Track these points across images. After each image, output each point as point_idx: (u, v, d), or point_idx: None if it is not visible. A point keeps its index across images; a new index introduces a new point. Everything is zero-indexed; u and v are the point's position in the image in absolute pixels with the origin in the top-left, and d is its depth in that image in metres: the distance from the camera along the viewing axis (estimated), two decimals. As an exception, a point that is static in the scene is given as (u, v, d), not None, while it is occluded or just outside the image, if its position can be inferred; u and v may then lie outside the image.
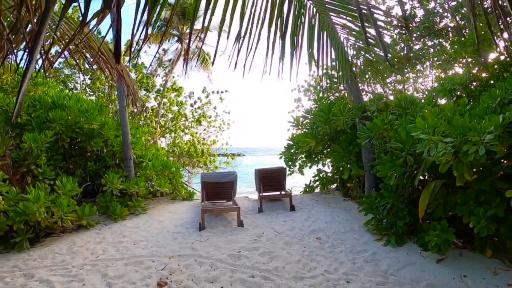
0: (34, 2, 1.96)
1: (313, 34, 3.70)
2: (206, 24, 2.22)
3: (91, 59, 4.69)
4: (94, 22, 1.69)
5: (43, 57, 3.11)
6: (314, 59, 3.91)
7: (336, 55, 4.64)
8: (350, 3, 3.59)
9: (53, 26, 3.55)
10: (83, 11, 1.39)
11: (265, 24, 2.99)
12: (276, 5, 2.97)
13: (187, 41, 21.86)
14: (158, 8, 1.87)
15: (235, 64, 2.84)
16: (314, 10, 3.56)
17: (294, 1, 3.25)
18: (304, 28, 3.55)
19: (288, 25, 3.13)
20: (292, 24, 3.38)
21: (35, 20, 1.93)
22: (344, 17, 4.00)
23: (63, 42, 4.00)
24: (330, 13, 3.87)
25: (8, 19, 3.23)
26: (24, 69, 1.25)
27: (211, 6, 2.19)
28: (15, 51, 3.12)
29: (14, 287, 4.41)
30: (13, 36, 3.03)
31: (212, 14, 2.18)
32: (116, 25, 1.43)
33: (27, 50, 2.96)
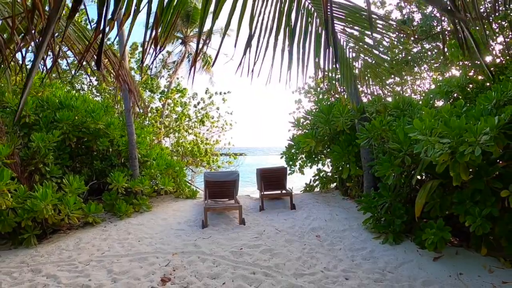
0: (46, 8, 1.97)
1: (320, 42, 3.71)
2: (212, 29, 2.22)
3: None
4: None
5: (52, 60, 3.13)
6: (320, 67, 3.92)
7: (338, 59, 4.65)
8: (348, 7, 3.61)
9: (60, 30, 3.57)
10: (96, 19, 1.40)
11: (273, 32, 3.00)
12: (284, 13, 2.97)
13: (191, 43, 21.94)
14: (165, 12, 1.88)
15: (251, 71, 2.85)
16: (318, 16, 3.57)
17: (302, 10, 3.26)
18: (311, 37, 3.56)
19: (295, 33, 3.14)
20: (300, 32, 3.39)
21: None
22: (344, 23, 4.00)
23: (69, 43, 4.03)
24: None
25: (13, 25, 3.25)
26: (28, 72, 1.26)
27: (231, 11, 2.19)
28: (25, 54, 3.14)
29: (22, 282, 4.43)
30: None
31: (216, 18, 2.19)
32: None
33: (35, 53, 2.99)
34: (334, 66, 4.40)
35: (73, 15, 1.37)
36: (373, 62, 5.14)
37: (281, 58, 3.22)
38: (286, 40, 3.16)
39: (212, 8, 2.18)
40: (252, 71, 2.93)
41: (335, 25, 4.05)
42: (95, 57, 4.80)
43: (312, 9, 3.41)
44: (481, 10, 7.29)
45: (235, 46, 2.59)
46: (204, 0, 2.09)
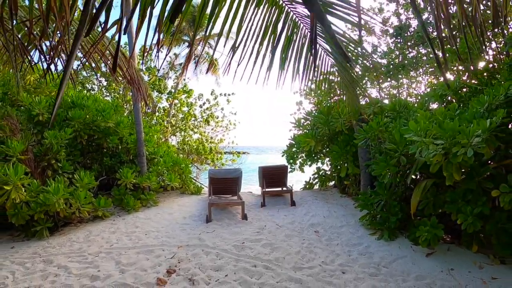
0: (61, 13, 1.99)
1: (302, 51, 3.79)
2: (210, 35, 2.28)
3: (107, 63, 4.73)
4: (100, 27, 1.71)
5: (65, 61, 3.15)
6: (298, 73, 3.99)
7: (336, 62, 4.68)
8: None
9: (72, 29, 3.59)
10: (103, 20, 1.42)
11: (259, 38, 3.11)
12: (272, 23, 3.05)
13: (195, 47, 21.95)
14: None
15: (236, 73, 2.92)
16: (306, 31, 3.64)
17: (289, 21, 3.33)
18: (294, 45, 3.65)
19: (280, 41, 3.23)
20: (284, 41, 3.47)
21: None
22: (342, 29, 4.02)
23: (82, 45, 4.05)
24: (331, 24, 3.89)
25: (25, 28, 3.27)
26: (61, 79, 1.28)
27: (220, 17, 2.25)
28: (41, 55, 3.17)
29: (34, 272, 4.46)
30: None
31: (211, 27, 2.23)
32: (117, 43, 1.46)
33: (50, 54, 3.01)
34: (332, 70, 4.44)
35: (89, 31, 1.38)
36: (371, 65, 5.17)
37: (265, 61, 3.33)
38: (269, 46, 3.26)
39: (209, 10, 2.26)
40: (235, 72, 3.03)
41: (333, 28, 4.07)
42: (105, 58, 4.83)
43: (299, 21, 3.49)
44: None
45: (223, 46, 2.70)
46: (199, 12, 2.15)
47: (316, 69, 4.19)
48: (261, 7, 2.91)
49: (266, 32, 3.12)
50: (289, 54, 3.63)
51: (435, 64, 9.12)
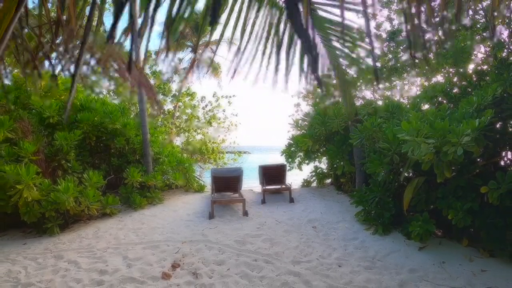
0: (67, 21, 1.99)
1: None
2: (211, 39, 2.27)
3: (117, 68, 4.72)
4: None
5: (75, 65, 3.15)
6: (303, 72, 3.96)
7: (333, 65, 4.67)
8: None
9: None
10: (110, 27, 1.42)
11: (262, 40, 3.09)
12: (273, 24, 3.04)
13: (199, 51, 21.93)
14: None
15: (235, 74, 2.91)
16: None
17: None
18: (297, 45, 3.62)
19: (283, 42, 3.21)
20: (288, 41, 3.44)
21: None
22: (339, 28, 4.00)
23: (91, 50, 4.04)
24: (327, 27, 3.88)
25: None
26: (71, 84, 1.28)
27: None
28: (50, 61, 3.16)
29: (45, 267, 4.46)
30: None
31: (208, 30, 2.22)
32: (131, 44, 1.46)
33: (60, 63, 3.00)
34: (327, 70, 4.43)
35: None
36: (366, 69, 5.16)
37: (263, 65, 3.32)
38: (273, 47, 3.24)
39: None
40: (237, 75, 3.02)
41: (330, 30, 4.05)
42: (115, 63, 4.81)
43: None
44: (465, 22, 7.26)
45: (228, 51, 2.69)
46: (201, 19, 2.15)
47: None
48: (262, 10, 2.90)
49: (268, 34, 3.10)
50: (291, 54, 3.60)
51: (426, 67, 9.12)
